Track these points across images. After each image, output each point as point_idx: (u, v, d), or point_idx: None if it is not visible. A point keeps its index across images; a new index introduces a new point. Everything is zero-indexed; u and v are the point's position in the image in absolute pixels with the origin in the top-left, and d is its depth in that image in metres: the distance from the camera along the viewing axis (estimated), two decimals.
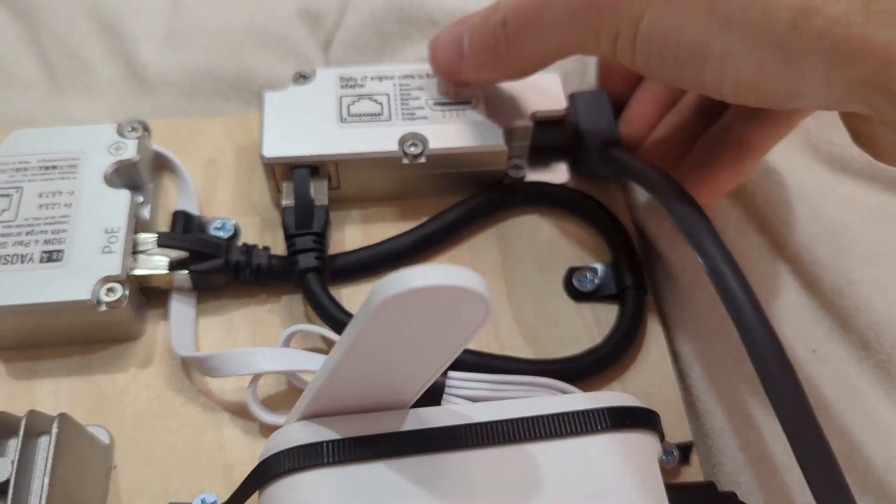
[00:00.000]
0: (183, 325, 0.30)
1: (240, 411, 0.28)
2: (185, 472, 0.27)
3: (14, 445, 0.24)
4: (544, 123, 0.33)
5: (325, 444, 0.22)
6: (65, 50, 0.39)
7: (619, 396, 0.24)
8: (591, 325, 0.31)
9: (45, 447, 0.24)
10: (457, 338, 0.20)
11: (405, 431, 0.23)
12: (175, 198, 0.33)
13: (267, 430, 0.28)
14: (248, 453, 0.28)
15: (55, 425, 0.24)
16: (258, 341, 0.30)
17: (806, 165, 0.33)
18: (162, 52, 0.39)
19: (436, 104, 0.32)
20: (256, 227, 0.33)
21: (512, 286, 0.32)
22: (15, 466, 0.23)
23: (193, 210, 0.32)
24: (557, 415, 0.23)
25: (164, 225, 0.33)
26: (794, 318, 0.29)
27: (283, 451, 0.23)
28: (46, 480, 0.23)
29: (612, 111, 0.33)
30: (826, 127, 0.34)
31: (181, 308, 0.30)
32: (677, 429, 0.28)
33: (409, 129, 0.32)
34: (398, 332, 0.19)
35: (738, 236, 0.31)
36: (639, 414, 0.24)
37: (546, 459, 0.22)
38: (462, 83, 0.32)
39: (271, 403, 0.28)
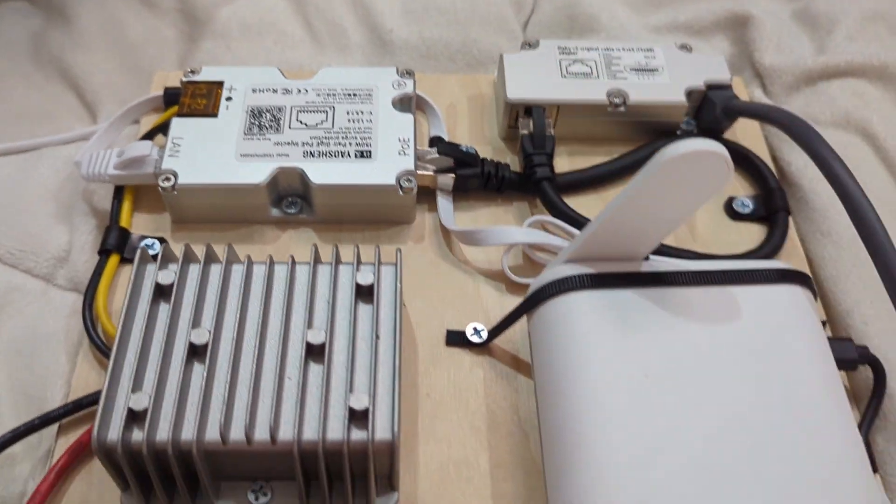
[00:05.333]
0: (447, 212, 0.40)
1: (492, 274, 0.39)
2: (454, 311, 0.38)
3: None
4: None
5: (585, 275, 0.33)
6: (324, 18, 0.51)
7: (783, 263, 0.34)
8: (746, 239, 0.41)
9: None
10: (701, 196, 0.30)
11: (644, 271, 0.33)
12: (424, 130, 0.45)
13: (512, 288, 0.39)
14: (499, 303, 0.38)
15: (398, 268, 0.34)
16: None
17: None
18: (402, 24, 0.50)
19: (632, 70, 0.43)
20: (488, 154, 0.44)
21: None
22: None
23: (444, 136, 0.43)
24: (744, 270, 0.33)
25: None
26: None
27: (554, 280, 0.33)
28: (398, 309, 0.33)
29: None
30: None
31: (445, 202, 0.41)
32: None
33: (614, 85, 0.42)
34: (665, 188, 0.30)
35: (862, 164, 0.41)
36: (800, 274, 0.34)
37: (736, 298, 0.33)
38: None
39: (514, 271, 0.39)
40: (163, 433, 0.29)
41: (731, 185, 0.43)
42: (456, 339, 0.37)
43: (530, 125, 0.41)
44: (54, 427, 0.34)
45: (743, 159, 0.43)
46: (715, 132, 0.44)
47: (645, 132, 0.44)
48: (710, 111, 0.43)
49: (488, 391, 0.36)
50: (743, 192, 0.43)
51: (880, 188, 0.42)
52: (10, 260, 0.39)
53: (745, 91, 0.48)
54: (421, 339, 0.37)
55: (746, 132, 0.45)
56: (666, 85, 0.43)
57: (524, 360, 0.36)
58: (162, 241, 0.39)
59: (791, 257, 0.40)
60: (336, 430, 0.30)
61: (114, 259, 0.38)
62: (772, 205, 0.41)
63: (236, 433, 0.29)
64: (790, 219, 0.41)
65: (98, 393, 0.32)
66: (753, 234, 0.41)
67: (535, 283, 0.34)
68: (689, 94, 0.43)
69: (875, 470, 0.34)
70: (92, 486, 0.33)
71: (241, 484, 0.32)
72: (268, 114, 0.41)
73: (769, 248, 0.39)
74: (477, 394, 0.35)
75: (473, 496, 0.33)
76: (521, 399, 0.35)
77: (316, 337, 0.31)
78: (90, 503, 0.32)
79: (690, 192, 0.30)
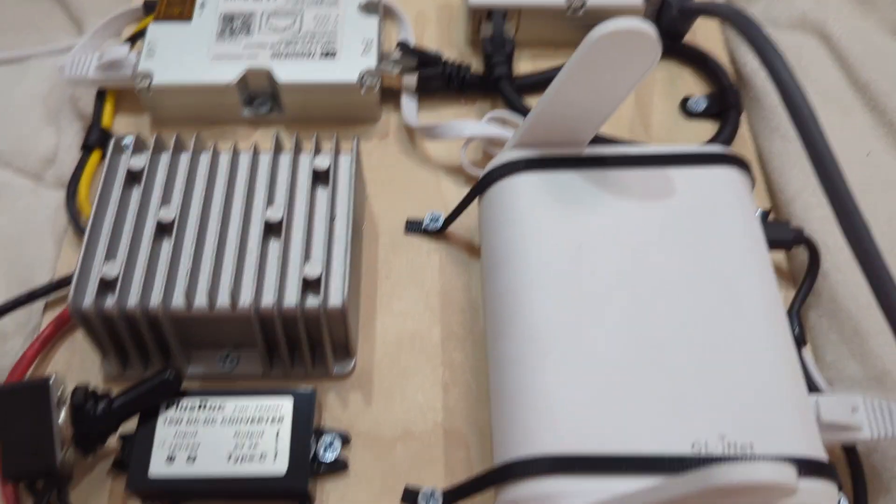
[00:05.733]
0: (411, 110, 0.42)
1: (452, 170, 0.41)
2: (415, 204, 0.40)
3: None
4: None
5: (528, 159, 0.35)
6: None
7: (720, 148, 0.36)
8: (700, 136, 0.42)
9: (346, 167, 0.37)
10: (633, 76, 0.32)
11: (584, 154, 0.35)
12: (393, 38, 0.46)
13: (471, 181, 0.41)
14: (458, 196, 0.40)
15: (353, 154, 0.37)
16: None
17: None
18: None
19: None
20: (455, 58, 0.45)
21: (643, 107, 0.44)
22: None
23: (411, 42, 0.45)
24: (681, 153, 0.35)
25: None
26: (850, 124, 0.40)
27: (500, 164, 0.35)
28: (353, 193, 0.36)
29: None
30: None
31: (408, 101, 0.43)
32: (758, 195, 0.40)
33: None
34: (598, 68, 0.31)
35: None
36: (735, 158, 0.35)
37: (672, 180, 0.34)
38: None
39: (474, 166, 0.41)
40: (133, 299, 0.32)
41: (686, 84, 0.45)
42: (415, 227, 0.39)
43: (490, 28, 0.43)
44: (42, 306, 0.37)
45: (699, 60, 0.45)
46: (674, 36, 0.45)
47: None
48: (667, 13, 0.44)
49: (443, 273, 0.38)
50: (698, 93, 0.44)
51: (831, 86, 0.43)
52: (0, 159, 0.42)
53: None
54: (382, 229, 0.39)
55: (707, 35, 0.46)
56: None
57: (478, 247, 0.39)
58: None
59: (742, 153, 0.42)
60: (291, 298, 0.32)
61: (95, 155, 0.41)
62: (724, 103, 0.42)
63: (200, 300, 0.32)
64: (743, 118, 0.43)
65: None
66: (707, 131, 0.43)
67: (486, 168, 0.36)
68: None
69: (804, 343, 0.36)
70: (75, 354, 0.36)
71: (211, 352, 0.35)
72: (239, 19, 0.43)
73: (718, 142, 0.41)
74: (432, 276, 0.38)
75: (426, 363, 0.35)
76: (473, 281, 0.38)
77: (275, 214, 0.34)
78: (73, 369, 0.35)
79: (622, 71, 0.32)
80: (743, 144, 0.42)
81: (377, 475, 0.33)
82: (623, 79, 0.32)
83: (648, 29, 0.30)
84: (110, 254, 0.33)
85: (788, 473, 0.22)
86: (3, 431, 0.29)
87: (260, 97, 0.42)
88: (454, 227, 0.39)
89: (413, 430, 0.34)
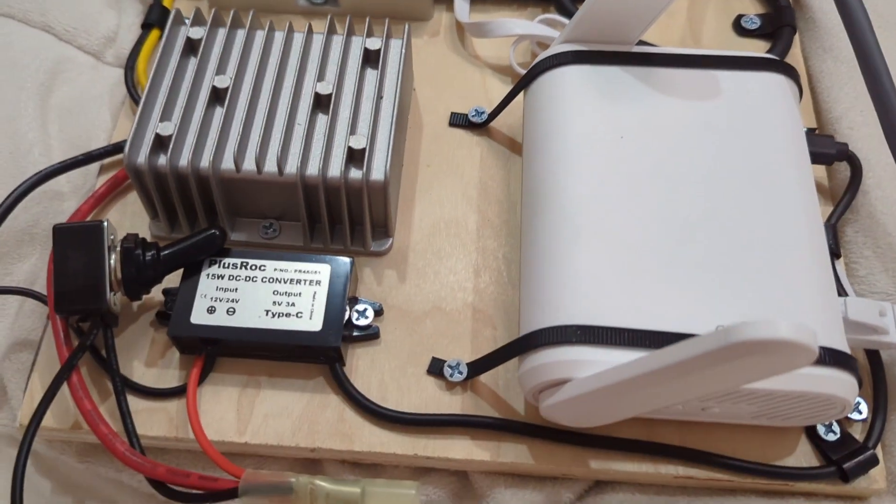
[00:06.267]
0: (463, 7, 0.43)
1: (499, 69, 0.42)
2: (460, 98, 0.41)
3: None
4: None
5: (576, 51, 0.35)
6: None
7: (768, 54, 0.35)
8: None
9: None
10: None
11: (631, 51, 0.35)
12: None
13: (517, 79, 0.41)
14: (502, 93, 0.40)
15: (405, 39, 0.37)
16: None
17: None
18: None
19: None
20: None
21: (695, 22, 0.43)
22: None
23: None
24: (729, 55, 0.35)
25: None
26: None
27: (548, 56, 0.35)
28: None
29: None
30: None
31: (461, 1, 0.43)
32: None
33: None
34: None
35: None
36: (784, 64, 0.35)
37: (718, 81, 0.34)
38: None
39: (520, 67, 0.41)
40: (184, 158, 0.33)
41: (740, 2, 0.44)
42: (459, 119, 0.40)
43: None
44: (97, 169, 0.39)
45: None
46: None
47: None
48: None
49: (483, 166, 0.39)
50: (753, 11, 0.44)
51: (891, 14, 0.42)
52: (65, 36, 0.43)
53: None
54: (427, 120, 0.40)
55: None
56: None
57: (520, 144, 0.39)
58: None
59: None
60: (336, 168, 0.33)
61: (155, 33, 0.42)
62: (778, 21, 0.42)
63: (248, 164, 0.33)
64: (797, 38, 0.42)
65: None
66: (759, 49, 0.42)
67: (535, 60, 0.36)
68: None
69: (838, 255, 0.36)
70: (125, 215, 0.37)
71: (254, 221, 0.36)
72: None
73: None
74: (472, 167, 0.38)
75: (459, 248, 0.36)
76: (512, 176, 0.38)
77: (325, 88, 0.35)
78: (123, 228, 0.37)
79: None
80: (795, 64, 0.42)
81: (405, 346, 0.34)
82: None
83: None
84: (165, 115, 0.34)
85: (808, 335, 0.22)
86: (58, 266, 0.31)
87: None
88: (497, 124, 0.40)
89: (443, 306, 0.35)
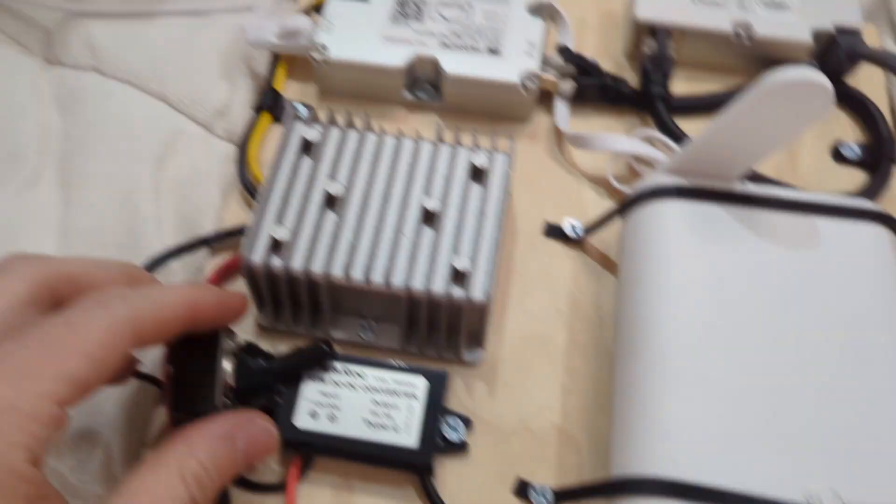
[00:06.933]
0: (563, 115, 0.44)
1: (595, 180, 0.43)
2: (555, 208, 0.42)
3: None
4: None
5: (679, 186, 0.36)
6: None
7: (870, 203, 0.36)
8: (847, 184, 0.42)
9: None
10: (799, 125, 0.33)
11: (733, 190, 0.36)
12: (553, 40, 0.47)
13: (613, 193, 0.42)
14: (598, 206, 0.41)
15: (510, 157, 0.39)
16: None
17: None
18: None
19: (762, 3, 0.44)
20: (611, 69, 0.46)
21: (792, 145, 0.44)
22: None
23: (572, 47, 0.46)
24: (830, 203, 0.35)
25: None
26: None
27: (650, 187, 0.36)
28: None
29: None
30: None
31: (562, 106, 0.44)
32: None
33: (741, 17, 0.44)
34: (765, 112, 0.32)
35: None
36: (885, 216, 0.35)
37: (818, 229, 0.35)
38: None
39: (616, 180, 0.42)
40: (298, 262, 0.35)
41: (841, 128, 0.44)
42: (554, 231, 0.41)
43: (653, 45, 0.44)
44: (205, 250, 0.41)
45: (858, 105, 0.44)
46: (836, 76, 0.45)
47: (766, 67, 0.45)
48: (834, 54, 0.44)
49: (575, 281, 0.40)
50: (853, 138, 0.44)
51: None
52: (179, 106, 0.45)
53: (878, 40, 0.48)
54: (521, 227, 0.41)
55: (870, 80, 0.46)
56: (794, 23, 0.44)
57: (613, 262, 0.40)
58: (308, 107, 0.45)
59: (891, 209, 0.41)
60: (439, 285, 0.34)
61: (266, 117, 0.44)
62: (880, 153, 0.42)
63: (357, 273, 0.35)
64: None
65: (243, 226, 0.38)
66: (856, 180, 0.43)
67: (634, 188, 0.37)
68: (816, 35, 0.43)
69: None
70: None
71: (353, 319, 0.38)
72: (412, 4, 0.45)
73: (868, 194, 0.41)
74: (565, 281, 0.40)
75: (548, 365, 0.37)
76: (603, 294, 0.39)
77: (432, 204, 0.36)
78: None
79: (790, 119, 0.32)
80: (893, 199, 0.42)
81: (493, 462, 0.35)
82: (790, 125, 0.33)
83: (825, 83, 0.30)
84: (281, 216, 0.36)
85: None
86: (177, 369, 0.32)
87: (421, 82, 0.45)
88: (591, 238, 0.41)
89: (531, 426, 0.36)
